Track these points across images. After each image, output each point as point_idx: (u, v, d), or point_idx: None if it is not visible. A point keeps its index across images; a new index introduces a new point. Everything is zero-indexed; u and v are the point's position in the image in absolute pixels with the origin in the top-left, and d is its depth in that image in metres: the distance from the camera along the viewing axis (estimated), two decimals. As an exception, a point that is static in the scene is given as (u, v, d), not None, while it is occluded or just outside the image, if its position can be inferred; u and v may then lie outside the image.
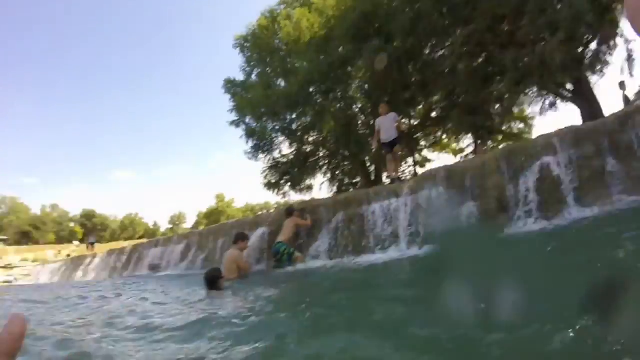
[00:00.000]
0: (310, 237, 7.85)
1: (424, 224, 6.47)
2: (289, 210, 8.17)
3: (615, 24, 11.15)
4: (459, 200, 6.34)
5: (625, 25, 12.14)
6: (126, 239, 65.31)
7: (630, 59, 11.33)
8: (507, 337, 2.02)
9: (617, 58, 11.82)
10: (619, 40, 11.41)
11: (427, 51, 15.81)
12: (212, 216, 77.73)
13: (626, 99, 10.38)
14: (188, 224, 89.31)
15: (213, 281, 5.13)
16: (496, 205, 5.79)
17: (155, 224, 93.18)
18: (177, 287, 6.74)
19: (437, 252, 5.78)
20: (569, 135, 5.35)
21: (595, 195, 4.96)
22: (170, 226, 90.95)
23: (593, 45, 10.66)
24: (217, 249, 9.54)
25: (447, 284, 3.49)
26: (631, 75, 11.48)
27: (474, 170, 6.53)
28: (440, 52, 15.33)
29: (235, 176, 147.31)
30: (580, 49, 10.32)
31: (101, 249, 23.29)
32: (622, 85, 10.63)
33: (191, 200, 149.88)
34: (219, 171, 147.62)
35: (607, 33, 10.21)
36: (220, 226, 11.09)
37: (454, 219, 6.26)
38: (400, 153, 11.35)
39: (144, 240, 22.68)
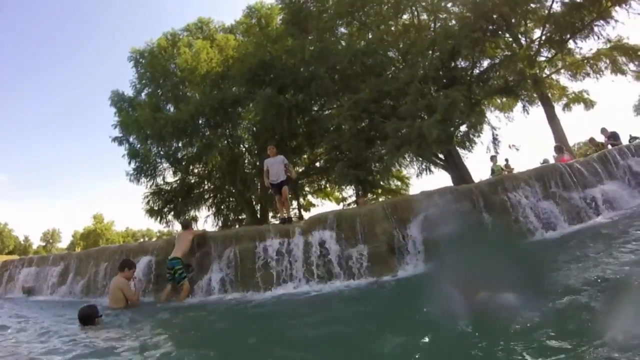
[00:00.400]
0: (201, 269, 7.64)
1: (317, 263, 6.89)
2: (185, 223, 8.50)
3: (483, 114, 14.70)
4: (350, 243, 7.06)
5: (491, 116, 16.52)
6: (-7, 252, 53.00)
7: (495, 140, 15.32)
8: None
9: (484, 138, 15.42)
10: (486, 126, 15.34)
11: (316, 108, 17.41)
12: (89, 237, 68.75)
13: (493, 171, 13.09)
14: (63, 243, 78.76)
15: (85, 320, 4.71)
16: (387, 248, 6.70)
17: (26, 239, 78.46)
18: (53, 316, 5.96)
19: (331, 291, 6.10)
20: (447, 192, 6.68)
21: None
22: (43, 244, 77.95)
23: (464, 127, 13.51)
24: (99, 274, 8.66)
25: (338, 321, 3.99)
26: (497, 152, 15.21)
27: (363, 216, 7.26)
28: (328, 111, 17.03)
29: (116, 197, 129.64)
30: (452, 129, 12.90)
31: (-37, 260, 18.35)
32: (492, 158, 13.53)
33: (67, 216, 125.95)
34: (99, 188, 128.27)
35: (476, 120, 12.99)
36: (101, 250, 10.00)
37: (346, 259, 6.93)
38: (289, 195, 11.97)
39: (15, 257, 18.62)
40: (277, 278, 6.90)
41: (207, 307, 6.28)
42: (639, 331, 2.00)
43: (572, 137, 14.90)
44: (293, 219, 8.62)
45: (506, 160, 13.86)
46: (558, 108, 15.80)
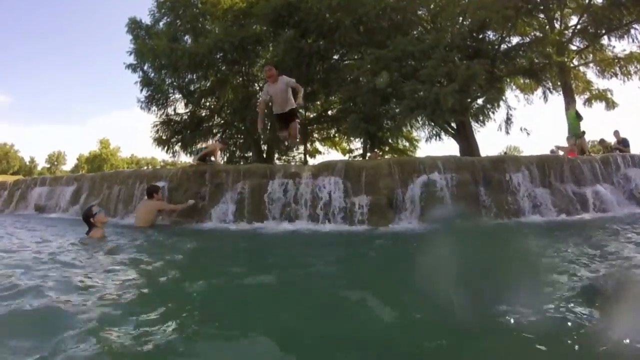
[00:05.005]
0: (213, 199, 8.04)
1: (321, 205, 7.40)
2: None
3: (502, 92, 14.78)
4: (354, 192, 7.56)
5: (510, 94, 16.75)
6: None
7: (508, 120, 15.61)
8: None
9: (498, 116, 15.50)
10: (502, 104, 15.29)
11: (337, 57, 17.36)
12: (94, 162, 70.21)
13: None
14: (67, 166, 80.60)
15: (85, 218, 5.32)
16: (386, 202, 7.23)
17: (32, 160, 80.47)
18: (64, 230, 6.55)
19: (330, 232, 6.64)
20: (451, 161, 7.13)
21: (468, 211, 6.73)
22: (48, 165, 79.93)
23: (480, 101, 13.62)
24: (112, 196, 9.13)
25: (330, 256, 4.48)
26: (507, 133, 15.68)
27: (369, 169, 7.73)
28: (348, 62, 17.00)
29: (123, 124, 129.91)
30: (469, 100, 13.09)
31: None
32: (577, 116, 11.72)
33: (72, 140, 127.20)
34: (106, 114, 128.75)
35: (494, 96, 13.07)
36: (115, 173, 10.51)
37: (348, 206, 7.45)
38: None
39: (20, 177, 19.40)
40: (282, 214, 7.40)
41: (215, 233, 6.84)
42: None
43: (586, 134, 15.04)
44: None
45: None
46: (579, 102, 15.74)
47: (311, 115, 20.38)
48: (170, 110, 19.07)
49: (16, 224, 7.72)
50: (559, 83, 15.33)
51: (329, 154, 22.67)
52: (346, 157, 20.50)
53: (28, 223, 7.86)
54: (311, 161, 19.78)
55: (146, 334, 2.01)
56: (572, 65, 15.06)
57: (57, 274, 3.09)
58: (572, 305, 2.37)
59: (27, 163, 78.72)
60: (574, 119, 11.40)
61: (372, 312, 2.47)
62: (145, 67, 18.00)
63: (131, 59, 18.03)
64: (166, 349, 1.84)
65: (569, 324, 2.05)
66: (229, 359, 1.87)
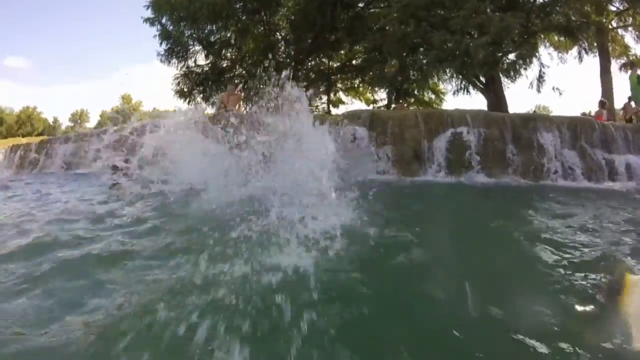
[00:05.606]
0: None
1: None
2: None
3: (535, 48, 13.93)
4: (379, 142, 7.55)
5: (543, 51, 15.66)
6: (24, 135, 55.96)
7: (540, 78, 14.49)
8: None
9: (530, 73, 14.54)
10: (535, 61, 14.29)
11: (362, 4, 16.68)
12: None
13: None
14: (91, 123, 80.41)
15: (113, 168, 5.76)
16: (412, 154, 7.24)
17: (55, 120, 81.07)
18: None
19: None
20: (480, 116, 7.02)
21: (495, 168, 6.71)
22: (72, 124, 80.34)
23: (512, 56, 13.05)
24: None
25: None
26: (539, 91, 14.73)
27: (395, 120, 7.72)
28: (373, 10, 16.32)
29: (143, 78, 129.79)
30: (500, 54, 12.49)
31: (-1, 144, 19.69)
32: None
33: (94, 97, 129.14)
34: (126, 68, 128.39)
35: (527, 52, 12.50)
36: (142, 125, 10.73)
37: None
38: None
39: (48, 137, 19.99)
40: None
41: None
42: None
43: (619, 100, 14.61)
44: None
45: None
46: (615, 65, 15.16)
47: (335, 65, 19.88)
48: (190, 63, 18.82)
49: (45, 181, 8.12)
50: (595, 44, 14.62)
51: (352, 105, 22.10)
52: (369, 108, 20.05)
53: (57, 180, 8.27)
54: (334, 111, 19.51)
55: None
56: (610, 27, 14.35)
57: (83, 225, 3.32)
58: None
59: (51, 124, 79.87)
60: (637, 84, 11.10)
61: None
62: (164, 20, 17.60)
63: (149, 13, 17.63)
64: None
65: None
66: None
